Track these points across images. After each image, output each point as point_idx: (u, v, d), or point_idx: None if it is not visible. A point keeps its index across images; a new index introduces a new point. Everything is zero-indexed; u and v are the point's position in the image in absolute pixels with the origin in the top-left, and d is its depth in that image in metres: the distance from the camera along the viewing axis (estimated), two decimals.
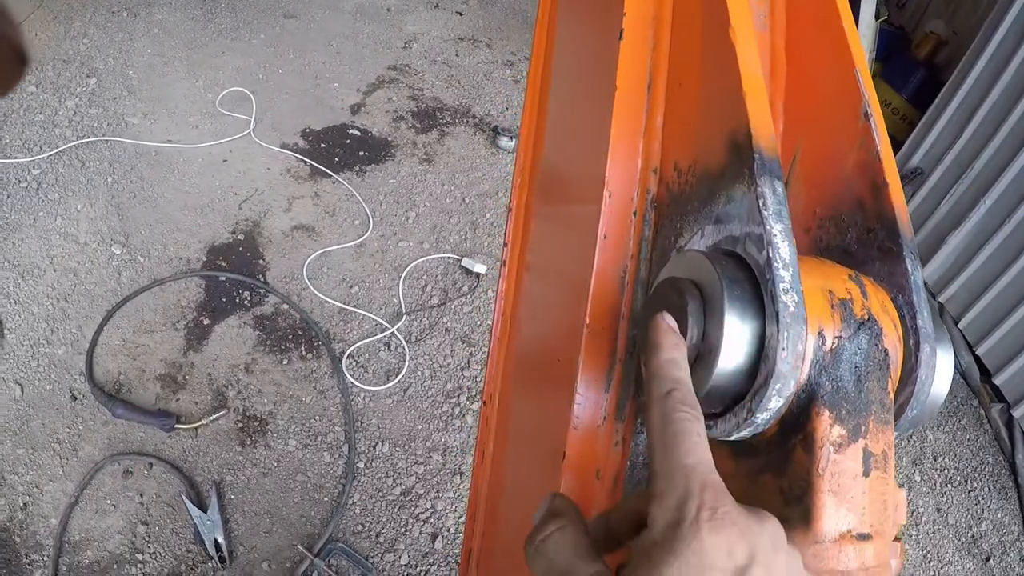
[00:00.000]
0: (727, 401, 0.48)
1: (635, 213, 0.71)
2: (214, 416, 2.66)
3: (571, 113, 0.92)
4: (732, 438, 0.49)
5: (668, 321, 0.49)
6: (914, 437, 3.42)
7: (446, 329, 3.18)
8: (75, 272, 2.98)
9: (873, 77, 4.77)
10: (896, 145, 4.86)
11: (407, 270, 3.36)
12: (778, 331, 0.44)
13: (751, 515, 0.40)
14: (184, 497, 2.40)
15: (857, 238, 0.59)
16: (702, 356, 0.48)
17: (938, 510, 3.03)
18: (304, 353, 2.96)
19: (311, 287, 3.18)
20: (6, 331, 2.70)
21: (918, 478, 3.21)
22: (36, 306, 2.82)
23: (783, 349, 0.44)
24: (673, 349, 0.47)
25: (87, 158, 3.43)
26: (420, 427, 2.85)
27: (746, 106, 0.53)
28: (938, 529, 2.96)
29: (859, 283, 0.50)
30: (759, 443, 0.50)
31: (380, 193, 3.71)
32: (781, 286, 0.45)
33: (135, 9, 4.37)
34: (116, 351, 2.78)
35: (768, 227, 0.47)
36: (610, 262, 0.69)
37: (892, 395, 0.50)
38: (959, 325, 3.77)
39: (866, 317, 0.48)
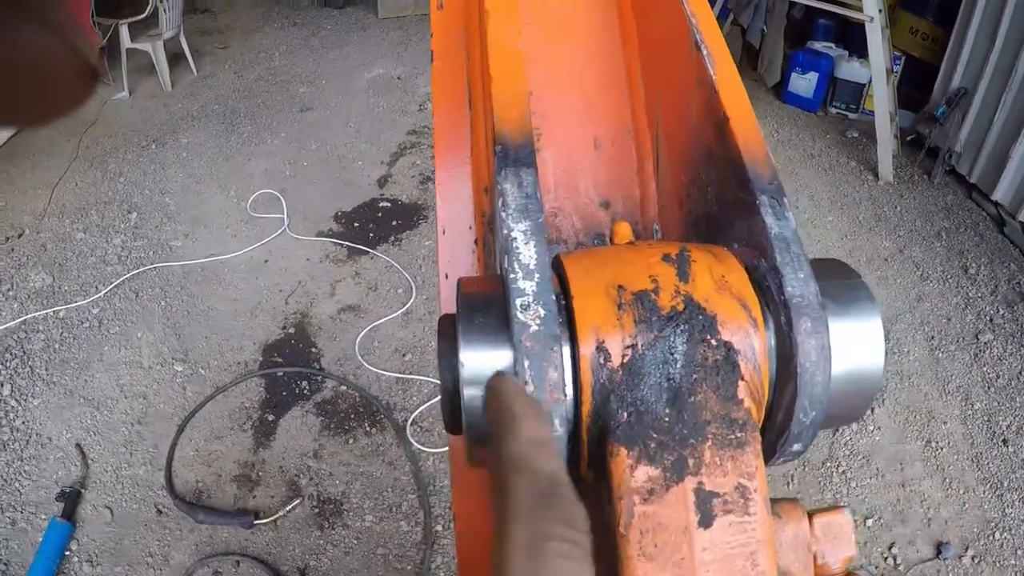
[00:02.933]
0: None
1: (476, 242, 0.68)
2: (290, 506, 2.92)
3: None
4: None
5: (516, 384, 0.38)
6: None
7: None
8: (144, 396, 3.35)
9: (892, 8, 4.79)
10: (934, 71, 4.84)
11: None
12: (516, 359, 0.38)
13: None
14: None
15: (716, 196, 0.51)
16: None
17: None
18: (368, 429, 3.21)
19: (365, 364, 3.45)
20: (90, 461, 3.07)
21: None
22: (114, 434, 3.19)
23: (526, 382, 0.37)
24: (534, 425, 0.35)
25: (140, 288, 3.87)
26: None
27: (491, 91, 0.50)
28: None
29: (678, 262, 0.42)
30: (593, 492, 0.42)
31: (418, 258, 3.99)
32: (519, 302, 0.38)
33: (162, 139, 4.92)
34: (192, 461, 3.10)
35: (506, 230, 0.41)
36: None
37: (755, 402, 0.40)
38: None
39: (680, 308, 0.39)
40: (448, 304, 0.67)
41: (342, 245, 4.10)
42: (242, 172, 4.67)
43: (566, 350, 0.39)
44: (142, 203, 4.43)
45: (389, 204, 4.37)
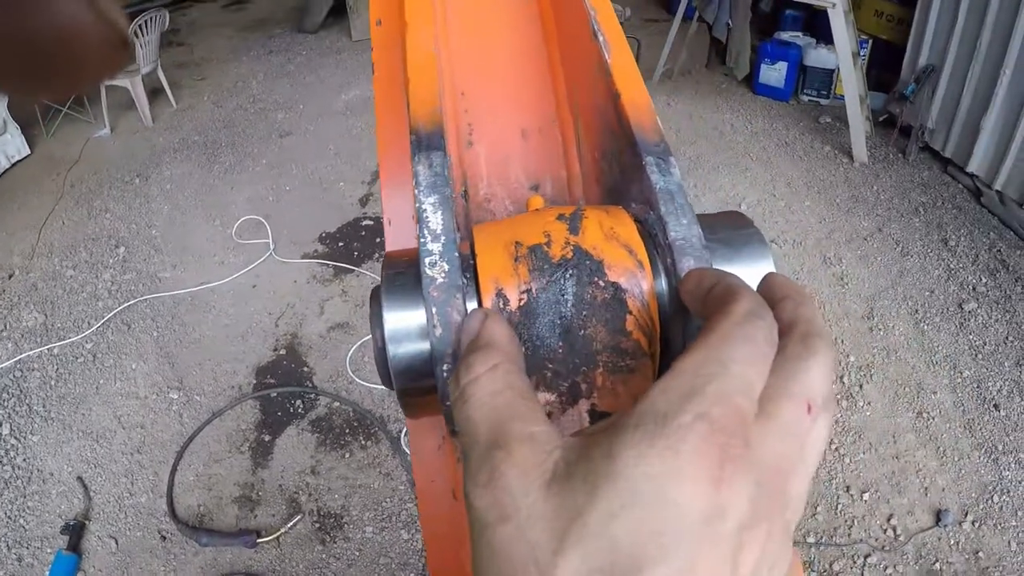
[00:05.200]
0: None
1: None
2: (291, 523, 2.97)
3: None
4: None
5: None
6: (1010, 338, 3.43)
7: None
8: (142, 425, 3.41)
9: None
10: (902, 51, 4.94)
11: None
12: (426, 308, 0.43)
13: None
14: None
15: (620, 169, 0.57)
16: None
17: None
18: (364, 442, 3.27)
19: (357, 379, 3.51)
20: (92, 493, 3.12)
21: None
22: (114, 464, 3.25)
23: (434, 327, 0.42)
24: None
25: (131, 320, 3.93)
26: None
27: (408, 90, 0.55)
28: None
29: (571, 219, 0.47)
30: None
31: None
32: (427, 260, 0.44)
33: (145, 173, 5.01)
34: (192, 486, 3.16)
35: (418, 204, 0.47)
36: None
37: (645, 334, 0.44)
38: None
39: (569, 256, 0.44)
40: None
41: (328, 265, 4.17)
42: (226, 200, 4.75)
43: (472, 299, 0.44)
44: (129, 237, 4.50)
45: (372, 222, 4.44)
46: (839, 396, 3.34)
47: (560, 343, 0.43)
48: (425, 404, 0.47)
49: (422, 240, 0.44)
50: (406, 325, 0.45)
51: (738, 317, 0.31)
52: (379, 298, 0.47)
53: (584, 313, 0.43)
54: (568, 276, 0.43)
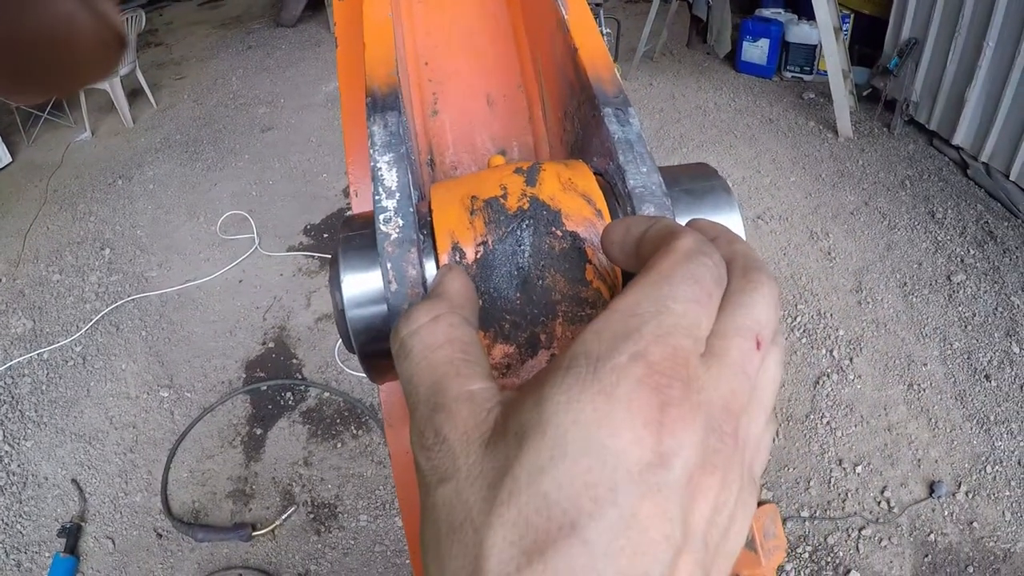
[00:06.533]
0: None
1: None
2: (285, 515, 3.01)
3: None
4: None
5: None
6: (999, 309, 3.46)
7: None
8: (134, 425, 3.44)
9: None
10: (884, 25, 4.96)
11: None
12: (380, 264, 0.43)
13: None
14: None
15: (581, 125, 0.57)
16: None
17: None
18: (355, 431, 3.30)
19: (346, 369, 3.54)
20: (87, 495, 3.15)
21: (1016, 349, 3.27)
22: (107, 465, 3.28)
23: (389, 282, 0.42)
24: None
25: (119, 321, 3.96)
26: None
27: (364, 56, 0.56)
28: None
29: (528, 172, 0.46)
30: None
31: None
32: (382, 217, 0.44)
33: (128, 174, 5.02)
34: (186, 483, 3.19)
35: (373, 163, 0.47)
36: None
37: (606, 283, 0.43)
38: (1011, 178, 3.79)
39: (525, 207, 0.44)
40: None
41: (314, 257, 4.20)
42: (209, 197, 4.77)
43: (429, 256, 0.44)
44: (114, 239, 4.52)
45: None
46: (829, 370, 3.38)
47: (518, 294, 0.42)
48: (388, 367, 0.47)
49: (376, 197, 0.44)
50: (363, 284, 0.45)
51: (679, 255, 0.30)
52: (336, 260, 0.47)
53: (542, 263, 0.43)
54: (524, 227, 0.43)
